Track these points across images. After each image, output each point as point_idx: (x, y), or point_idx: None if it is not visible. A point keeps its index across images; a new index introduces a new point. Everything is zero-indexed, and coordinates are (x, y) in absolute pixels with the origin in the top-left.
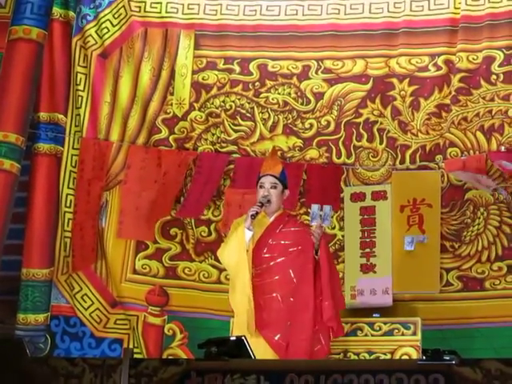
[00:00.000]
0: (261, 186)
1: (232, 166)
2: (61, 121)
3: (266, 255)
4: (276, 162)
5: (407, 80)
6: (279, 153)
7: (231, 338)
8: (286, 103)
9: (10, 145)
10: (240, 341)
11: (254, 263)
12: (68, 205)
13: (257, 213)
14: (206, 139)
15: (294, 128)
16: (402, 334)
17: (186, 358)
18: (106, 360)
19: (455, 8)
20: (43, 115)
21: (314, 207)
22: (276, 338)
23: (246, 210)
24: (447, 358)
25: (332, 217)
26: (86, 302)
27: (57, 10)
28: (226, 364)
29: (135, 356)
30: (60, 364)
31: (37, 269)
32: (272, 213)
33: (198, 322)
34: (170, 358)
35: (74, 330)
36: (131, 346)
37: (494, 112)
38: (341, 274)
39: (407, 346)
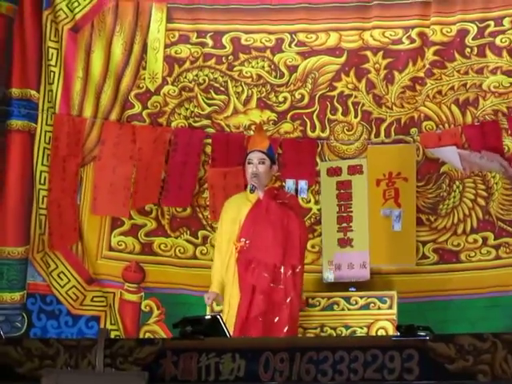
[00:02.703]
0: (249, 163)
1: (209, 141)
2: (33, 97)
3: (252, 228)
4: (263, 137)
5: (381, 53)
6: (252, 126)
7: (206, 317)
8: (259, 77)
9: None
10: (215, 319)
11: (243, 236)
12: (42, 182)
13: (254, 186)
14: (179, 114)
15: (268, 102)
16: (379, 308)
17: (162, 336)
18: (81, 341)
19: None
20: (15, 91)
21: (289, 182)
22: None
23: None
24: (421, 333)
25: (307, 191)
26: (62, 279)
27: None
28: (201, 343)
29: (112, 333)
30: (34, 345)
31: (12, 247)
32: (261, 188)
33: (175, 298)
34: (147, 336)
35: (50, 308)
36: (108, 323)
37: (468, 85)
38: (317, 248)
39: (383, 319)
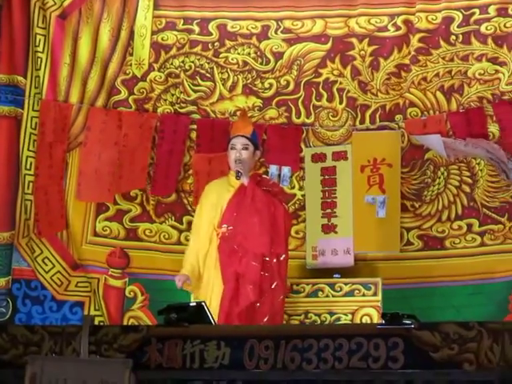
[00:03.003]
0: (232, 148)
1: (194, 127)
2: (20, 83)
3: (235, 214)
4: (247, 122)
5: (367, 40)
6: (238, 112)
7: (191, 304)
8: (245, 63)
9: None
10: (200, 307)
11: (225, 222)
12: (28, 167)
13: (239, 172)
14: (165, 100)
15: (254, 88)
16: (363, 295)
17: (146, 322)
18: (66, 327)
19: None
20: (2, 77)
21: (273, 168)
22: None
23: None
24: (406, 322)
25: (291, 177)
26: (46, 265)
27: None
28: (186, 330)
29: (96, 318)
30: (19, 332)
31: None
32: (245, 174)
33: (159, 284)
34: (130, 322)
35: (35, 293)
36: (92, 309)
37: (453, 72)
38: (301, 234)
39: (368, 306)
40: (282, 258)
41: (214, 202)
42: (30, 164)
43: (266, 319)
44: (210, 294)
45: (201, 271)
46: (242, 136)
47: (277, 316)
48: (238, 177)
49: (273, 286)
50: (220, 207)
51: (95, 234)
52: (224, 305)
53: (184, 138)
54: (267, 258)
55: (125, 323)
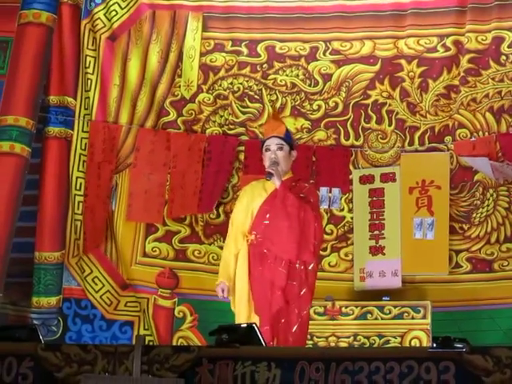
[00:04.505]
0: (266, 150)
1: (242, 148)
2: (70, 104)
3: (266, 222)
4: (279, 122)
5: (416, 61)
6: None
7: (242, 325)
8: (293, 85)
9: (21, 128)
10: (251, 328)
11: (254, 229)
12: (78, 188)
13: (270, 174)
14: (214, 121)
15: (302, 110)
16: (412, 318)
17: (195, 342)
18: (118, 347)
19: None
20: (53, 98)
21: (323, 190)
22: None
23: None
24: (458, 345)
25: (340, 199)
26: (96, 284)
27: None
28: (236, 351)
29: (146, 338)
30: (73, 351)
31: (48, 252)
32: (279, 176)
33: (208, 305)
34: (180, 342)
35: (85, 312)
36: (142, 329)
37: (503, 93)
38: (350, 257)
39: (417, 329)
40: (310, 267)
41: (246, 206)
42: (80, 184)
43: (294, 329)
44: (239, 299)
45: (232, 276)
46: (276, 137)
47: (303, 326)
48: (267, 178)
49: (299, 297)
50: (250, 212)
51: (144, 255)
52: (263, 311)
53: (231, 159)
54: (296, 265)
55: (174, 343)
